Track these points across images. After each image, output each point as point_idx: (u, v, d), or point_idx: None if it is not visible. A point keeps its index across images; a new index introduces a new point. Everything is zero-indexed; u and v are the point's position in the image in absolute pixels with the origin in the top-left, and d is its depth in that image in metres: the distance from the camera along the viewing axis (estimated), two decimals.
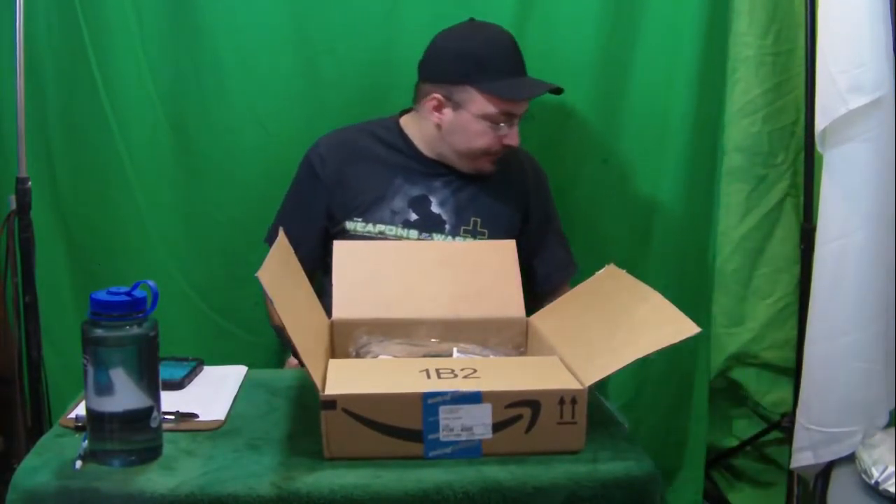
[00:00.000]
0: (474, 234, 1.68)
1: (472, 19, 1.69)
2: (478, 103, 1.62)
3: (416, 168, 1.71)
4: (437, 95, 1.65)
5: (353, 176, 1.70)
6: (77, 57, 1.77)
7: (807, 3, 1.74)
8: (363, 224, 1.68)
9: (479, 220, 1.69)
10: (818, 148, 1.53)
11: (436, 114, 1.66)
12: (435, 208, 1.69)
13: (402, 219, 1.68)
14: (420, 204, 1.69)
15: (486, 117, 1.62)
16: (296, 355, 1.52)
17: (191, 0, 1.79)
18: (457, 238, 1.67)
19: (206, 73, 1.83)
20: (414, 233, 1.67)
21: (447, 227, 1.68)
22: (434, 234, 1.67)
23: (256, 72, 1.82)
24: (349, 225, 1.68)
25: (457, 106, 1.64)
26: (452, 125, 1.66)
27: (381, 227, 1.67)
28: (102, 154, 1.81)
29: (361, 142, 1.74)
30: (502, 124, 1.63)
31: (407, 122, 1.74)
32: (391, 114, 1.77)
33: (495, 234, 1.67)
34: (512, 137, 1.65)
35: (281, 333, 1.68)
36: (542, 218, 1.77)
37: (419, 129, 1.71)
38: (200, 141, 1.85)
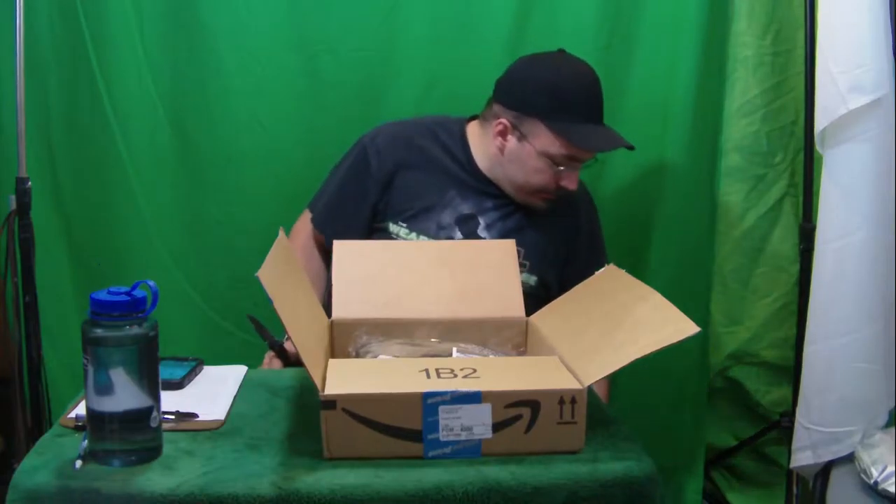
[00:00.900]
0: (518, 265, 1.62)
1: (561, 50, 1.62)
2: (543, 139, 1.57)
3: (471, 184, 1.66)
4: (505, 121, 1.60)
5: (407, 178, 1.65)
6: (78, 57, 1.77)
7: (806, 4, 1.74)
8: (407, 230, 1.63)
9: (522, 250, 1.61)
10: (818, 148, 1.53)
11: (500, 139, 1.61)
12: (482, 231, 1.64)
13: (447, 235, 1.63)
14: (467, 223, 1.64)
15: (548, 156, 1.57)
16: (275, 349, 1.53)
17: (191, 0, 1.80)
18: None
19: (206, 73, 1.83)
20: None
21: None
22: None
23: (256, 72, 1.83)
24: (392, 227, 1.64)
25: (522, 137, 1.59)
26: (513, 154, 1.60)
27: (424, 239, 1.62)
28: (103, 154, 1.82)
29: (422, 142, 1.68)
30: (562, 168, 1.58)
31: (472, 132, 1.69)
32: (427, 114, 1.74)
33: (538, 268, 1.64)
34: (571, 181, 1.59)
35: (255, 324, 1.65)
36: (590, 249, 1.72)
37: (482, 143, 1.66)
38: (200, 141, 1.86)
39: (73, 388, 1.27)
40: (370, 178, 1.64)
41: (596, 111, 1.59)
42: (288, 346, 1.54)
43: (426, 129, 1.70)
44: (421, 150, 1.67)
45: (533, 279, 1.63)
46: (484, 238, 1.64)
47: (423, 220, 1.63)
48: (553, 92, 1.56)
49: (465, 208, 1.65)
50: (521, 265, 1.61)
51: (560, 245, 1.68)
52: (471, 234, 1.64)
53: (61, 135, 1.81)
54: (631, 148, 1.59)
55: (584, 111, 1.57)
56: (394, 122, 1.72)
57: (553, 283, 1.66)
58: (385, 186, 1.64)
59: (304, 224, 1.72)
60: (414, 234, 1.63)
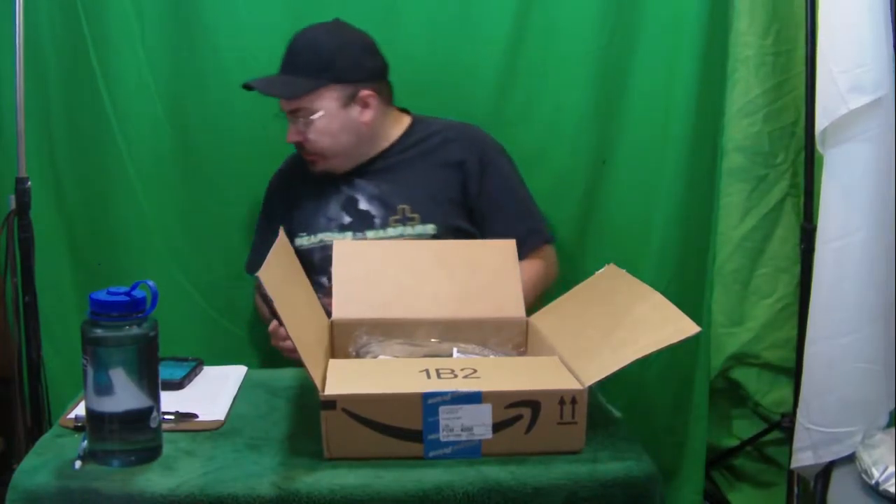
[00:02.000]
0: (404, 222, 1.67)
1: (336, 20, 1.71)
2: None
3: (342, 173, 1.72)
4: None
5: (295, 196, 1.74)
6: (78, 56, 1.77)
7: (807, 3, 1.74)
8: (307, 238, 1.71)
9: (406, 206, 1.67)
10: (818, 148, 1.53)
11: None
12: (363, 205, 1.70)
13: (337, 224, 1.69)
14: (351, 205, 1.71)
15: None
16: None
17: (191, 0, 1.79)
18: (388, 229, 1.67)
19: (206, 73, 1.83)
20: (349, 234, 1.68)
21: (377, 220, 1.68)
22: (367, 232, 1.68)
23: (256, 71, 1.82)
24: (297, 242, 1.71)
25: None
26: None
27: (321, 237, 1.70)
28: (103, 153, 1.82)
29: (301, 159, 1.75)
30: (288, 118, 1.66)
31: None
32: None
33: (430, 216, 1.67)
34: (289, 133, 1.67)
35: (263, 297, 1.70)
36: (495, 187, 1.72)
37: None
38: (200, 140, 1.86)
39: (73, 388, 1.27)
40: (275, 213, 1.76)
41: (283, 61, 1.66)
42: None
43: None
44: (302, 166, 1.74)
45: (430, 227, 1.67)
46: (367, 210, 1.69)
47: (314, 222, 1.71)
48: None
49: (344, 195, 1.71)
50: (411, 219, 1.67)
51: (447, 186, 1.70)
52: (356, 214, 1.70)
53: (61, 134, 1.81)
54: (267, 93, 1.64)
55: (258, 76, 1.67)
56: (293, 153, 1.80)
57: (463, 226, 1.69)
58: (284, 213, 1.74)
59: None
60: (312, 237, 1.71)
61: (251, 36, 1.82)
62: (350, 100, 1.65)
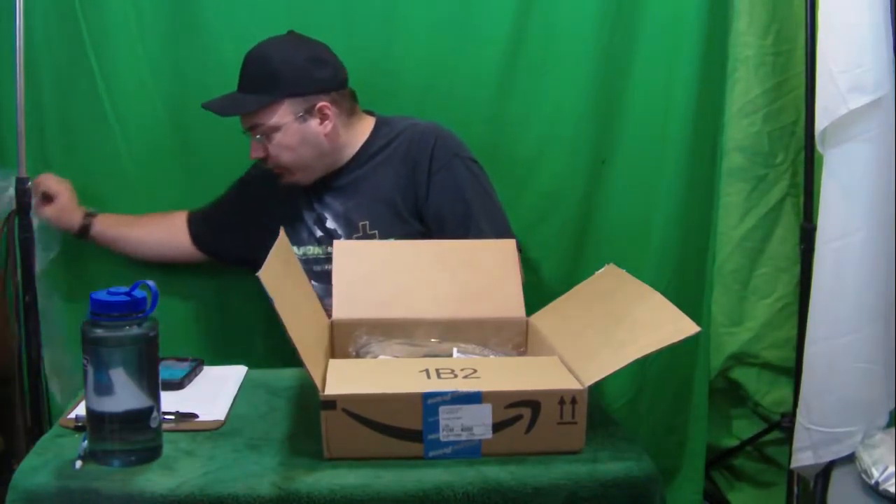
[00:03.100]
0: (366, 239, 1.65)
1: (290, 31, 1.68)
2: None
3: (318, 186, 1.71)
4: None
5: (276, 203, 1.72)
6: (77, 56, 1.77)
7: (807, 3, 1.74)
8: (295, 248, 1.69)
9: (366, 223, 1.65)
10: (818, 148, 1.53)
11: None
12: (330, 224, 1.69)
13: (315, 238, 1.70)
14: (320, 222, 1.70)
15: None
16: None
17: (191, 0, 1.79)
18: None
19: (206, 73, 1.83)
20: (321, 249, 1.68)
21: (342, 238, 1.66)
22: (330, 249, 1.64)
23: None
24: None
25: None
26: None
27: (304, 249, 1.70)
28: (102, 153, 1.81)
29: (269, 181, 1.74)
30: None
31: None
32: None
33: (386, 231, 1.64)
34: (251, 150, 1.64)
35: None
36: (438, 196, 1.64)
37: None
38: (200, 139, 1.85)
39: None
40: (250, 196, 1.76)
41: (238, 79, 1.64)
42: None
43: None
44: (269, 190, 1.73)
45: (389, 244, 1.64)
46: (334, 229, 1.68)
47: (296, 232, 1.70)
48: None
49: (317, 209, 1.70)
50: (370, 236, 1.65)
51: (397, 198, 1.65)
52: (325, 231, 1.69)
53: (60, 134, 1.80)
54: (221, 114, 1.62)
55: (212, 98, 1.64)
56: None
57: (416, 232, 1.65)
58: (263, 207, 1.74)
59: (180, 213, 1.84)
60: (296, 248, 1.69)
61: (251, 36, 1.81)
62: (307, 113, 1.62)
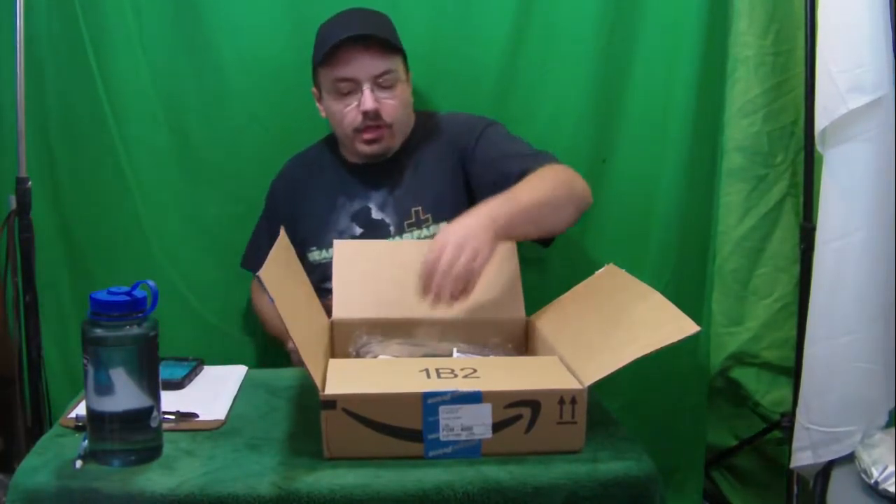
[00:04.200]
0: (419, 225, 1.63)
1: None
2: (321, 81, 1.61)
3: (351, 180, 1.70)
4: (314, 90, 1.66)
5: (302, 207, 1.71)
6: (77, 57, 1.77)
7: (807, 3, 1.74)
8: (318, 252, 1.68)
9: (419, 208, 1.64)
10: (818, 148, 1.53)
11: (321, 109, 1.67)
12: (376, 214, 1.67)
13: (349, 236, 1.67)
14: (362, 216, 1.68)
15: (332, 92, 1.59)
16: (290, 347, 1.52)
17: (191, 0, 1.79)
18: (404, 235, 1.64)
19: (206, 73, 1.83)
20: None
21: (391, 228, 1.65)
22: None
23: (256, 72, 1.83)
24: (310, 256, 1.69)
25: (320, 94, 1.64)
26: (328, 115, 1.65)
27: (333, 252, 1.62)
28: (102, 154, 1.81)
29: (308, 166, 1.74)
30: (350, 94, 1.58)
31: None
32: None
33: (442, 213, 1.61)
34: (364, 101, 1.57)
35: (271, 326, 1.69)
36: (487, 147, 1.64)
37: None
38: (200, 141, 1.85)
39: (75, 388, 1.27)
40: (278, 220, 1.68)
41: (345, 26, 1.58)
42: (289, 345, 1.54)
43: (314, 152, 1.77)
44: (307, 174, 1.73)
45: (443, 226, 1.59)
46: (381, 219, 1.66)
47: (324, 236, 1.67)
48: (317, 39, 1.62)
49: (355, 205, 1.68)
50: (424, 221, 1.63)
51: (452, 177, 1.64)
52: (368, 224, 1.67)
53: (60, 135, 1.80)
54: (376, 35, 1.56)
55: (336, 32, 1.57)
56: (295, 155, 1.79)
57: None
58: (290, 222, 1.68)
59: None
60: (325, 251, 1.67)
61: (251, 36, 1.82)
62: (406, 74, 1.63)
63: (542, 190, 1.43)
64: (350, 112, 1.60)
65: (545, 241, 1.64)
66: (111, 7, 1.77)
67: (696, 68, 1.84)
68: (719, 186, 1.94)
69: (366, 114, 1.58)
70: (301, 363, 1.05)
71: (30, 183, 1.61)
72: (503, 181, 1.48)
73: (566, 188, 1.48)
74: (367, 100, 1.57)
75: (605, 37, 1.85)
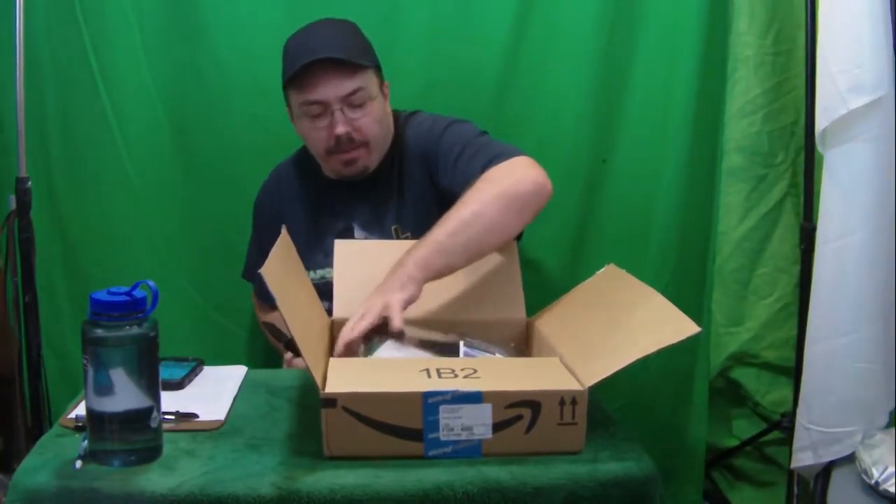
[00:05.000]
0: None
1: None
2: (292, 102, 1.57)
3: (333, 199, 1.66)
4: (288, 109, 1.62)
5: (286, 222, 1.61)
6: (77, 56, 1.77)
7: (807, 3, 1.74)
8: (314, 274, 1.63)
9: (398, 226, 1.61)
10: (818, 148, 1.53)
11: (295, 126, 1.62)
12: (358, 234, 1.64)
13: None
14: (345, 236, 1.63)
15: (302, 116, 1.56)
16: (292, 348, 1.51)
17: (191, 0, 1.79)
18: None
19: (206, 73, 1.83)
20: None
21: None
22: None
23: (256, 72, 1.82)
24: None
25: (293, 114, 1.60)
26: (301, 135, 1.62)
27: (321, 273, 1.62)
28: (102, 154, 1.81)
29: (289, 184, 1.70)
30: (321, 115, 1.53)
31: None
32: None
33: (419, 229, 1.50)
34: (336, 124, 1.52)
35: (271, 330, 1.67)
36: (448, 147, 1.56)
37: None
38: (200, 141, 1.86)
39: (73, 388, 1.27)
40: (266, 234, 1.62)
41: (308, 48, 1.52)
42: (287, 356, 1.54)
43: (293, 166, 1.73)
44: (289, 186, 1.70)
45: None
46: (365, 237, 1.63)
47: (311, 258, 1.62)
48: (284, 56, 1.57)
49: (340, 224, 1.65)
50: (404, 238, 1.60)
51: (432, 194, 1.58)
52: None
53: (60, 135, 1.80)
54: (343, 59, 1.51)
55: (301, 52, 1.52)
56: (274, 169, 1.75)
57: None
58: (274, 236, 1.65)
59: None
60: (313, 273, 1.63)
61: (251, 36, 1.82)
62: (379, 88, 1.59)
63: (467, 216, 1.37)
64: (321, 133, 1.56)
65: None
66: (112, 7, 1.77)
67: (696, 68, 1.84)
68: (719, 186, 1.94)
69: (338, 137, 1.55)
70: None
71: (30, 183, 1.61)
72: (467, 182, 1.44)
73: (503, 200, 1.39)
74: (338, 124, 1.53)
75: (605, 37, 1.85)
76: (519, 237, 1.53)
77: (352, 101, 1.54)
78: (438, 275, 1.34)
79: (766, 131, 1.93)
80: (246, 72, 1.83)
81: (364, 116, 1.55)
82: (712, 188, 1.93)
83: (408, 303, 1.29)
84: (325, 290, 1.43)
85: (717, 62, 1.87)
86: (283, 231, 1.31)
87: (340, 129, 1.53)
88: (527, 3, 1.84)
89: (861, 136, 1.46)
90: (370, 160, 1.60)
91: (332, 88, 1.52)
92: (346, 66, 1.52)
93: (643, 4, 1.85)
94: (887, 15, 1.46)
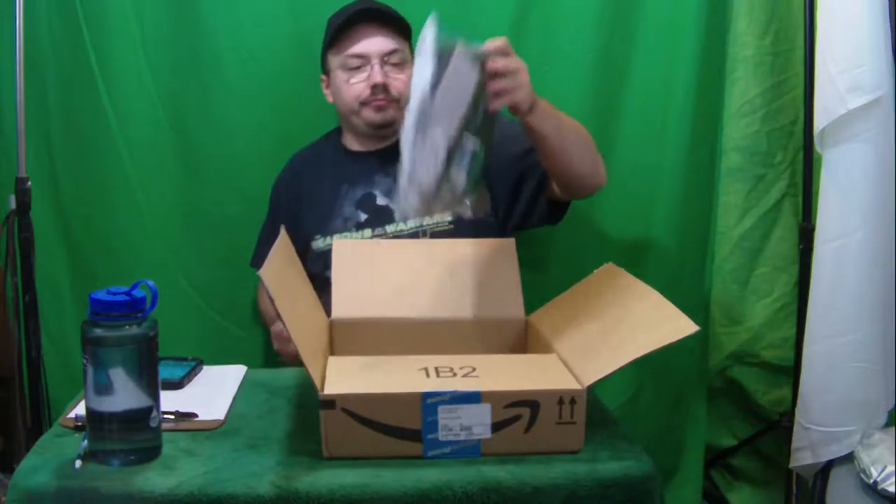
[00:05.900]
0: None
1: None
2: (333, 61, 1.67)
3: (355, 169, 1.72)
4: (322, 76, 1.73)
5: (305, 197, 1.74)
6: (77, 57, 1.77)
7: (806, 3, 1.74)
8: (323, 240, 1.69)
9: None
10: (817, 148, 1.54)
11: (328, 94, 1.72)
12: (381, 200, 1.69)
13: (354, 222, 1.68)
14: (366, 202, 1.69)
15: (342, 69, 1.65)
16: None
17: (191, 0, 1.80)
18: (408, 221, 1.66)
19: (206, 73, 1.83)
20: (367, 232, 1.67)
21: (396, 215, 1.67)
22: (386, 227, 1.66)
23: (256, 72, 1.83)
24: (313, 245, 1.70)
25: (329, 77, 1.70)
26: (334, 95, 1.71)
27: (338, 237, 1.66)
28: (102, 154, 1.82)
29: (309, 159, 1.76)
30: (360, 68, 1.64)
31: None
32: None
33: None
34: (373, 75, 1.63)
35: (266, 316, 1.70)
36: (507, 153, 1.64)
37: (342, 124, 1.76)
38: (200, 141, 1.86)
39: (73, 388, 1.27)
40: (282, 211, 1.75)
41: (355, 9, 1.65)
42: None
43: (316, 146, 1.80)
44: (310, 165, 1.75)
45: (447, 215, 1.64)
46: (386, 205, 1.68)
47: (328, 223, 1.69)
48: (328, 25, 1.69)
49: (359, 192, 1.70)
50: None
51: None
52: (373, 210, 1.68)
53: (61, 134, 1.81)
54: (381, 13, 1.65)
55: (347, 13, 1.65)
56: (297, 152, 1.81)
57: (485, 214, 1.67)
58: (294, 213, 1.73)
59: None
60: (329, 237, 1.67)
61: (251, 36, 1.82)
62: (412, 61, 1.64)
63: (578, 126, 1.51)
64: (358, 85, 1.65)
65: (556, 215, 1.69)
66: (112, 7, 1.77)
67: (695, 68, 1.84)
68: (718, 186, 1.94)
69: (374, 87, 1.64)
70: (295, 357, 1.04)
71: (30, 183, 1.62)
72: (519, 163, 1.59)
73: (593, 146, 1.55)
74: (377, 73, 1.63)
75: (605, 37, 1.85)
76: (558, 219, 1.66)
77: (390, 60, 1.65)
78: (545, 121, 1.40)
79: (765, 131, 1.93)
80: (247, 73, 1.83)
81: (400, 75, 1.65)
82: (711, 188, 1.93)
83: (526, 97, 1.36)
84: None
85: (716, 62, 1.87)
86: (283, 231, 1.31)
87: (378, 78, 1.63)
88: (526, 3, 1.84)
89: (860, 135, 1.46)
90: (399, 115, 1.66)
91: (376, 44, 1.64)
92: (392, 26, 1.65)
93: (642, 4, 1.85)
94: (886, 15, 1.46)
